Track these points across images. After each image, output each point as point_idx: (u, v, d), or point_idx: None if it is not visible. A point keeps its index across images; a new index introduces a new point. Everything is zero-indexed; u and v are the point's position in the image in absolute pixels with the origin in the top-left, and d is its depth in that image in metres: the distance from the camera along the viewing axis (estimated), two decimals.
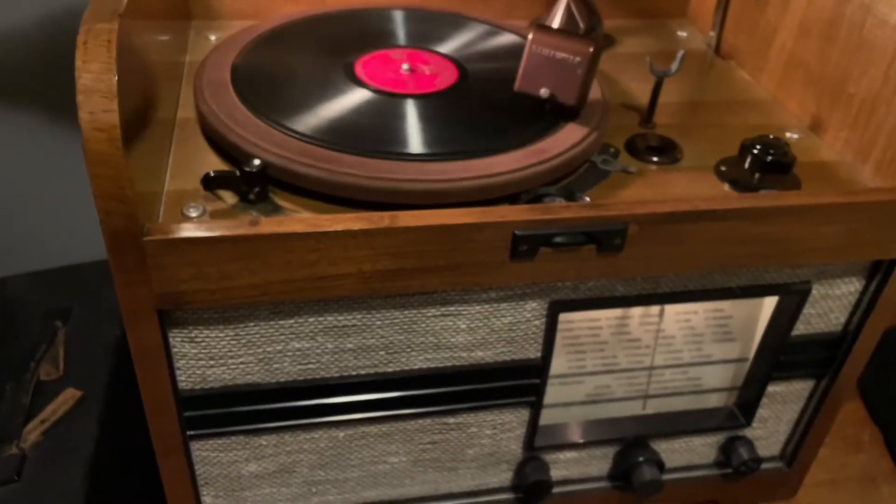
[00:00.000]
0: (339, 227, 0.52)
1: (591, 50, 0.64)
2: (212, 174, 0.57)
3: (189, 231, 0.51)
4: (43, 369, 0.84)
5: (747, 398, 0.75)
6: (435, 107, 0.67)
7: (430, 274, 0.56)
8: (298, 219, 0.53)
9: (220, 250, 0.52)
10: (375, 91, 0.68)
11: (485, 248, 0.55)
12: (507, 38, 0.79)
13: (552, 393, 0.72)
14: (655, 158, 0.68)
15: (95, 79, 0.46)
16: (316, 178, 0.58)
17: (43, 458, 0.76)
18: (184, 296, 0.53)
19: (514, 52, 0.75)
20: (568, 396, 0.73)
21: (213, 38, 0.83)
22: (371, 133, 0.62)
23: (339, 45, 0.75)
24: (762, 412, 0.76)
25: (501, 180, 0.59)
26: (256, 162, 0.57)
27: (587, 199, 0.60)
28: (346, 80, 0.69)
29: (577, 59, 0.64)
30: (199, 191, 0.58)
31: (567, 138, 0.64)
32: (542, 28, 0.66)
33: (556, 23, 0.85)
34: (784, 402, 0.76)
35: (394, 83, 0.69)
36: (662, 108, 0.75)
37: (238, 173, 0.57)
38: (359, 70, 0.70)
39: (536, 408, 0.68)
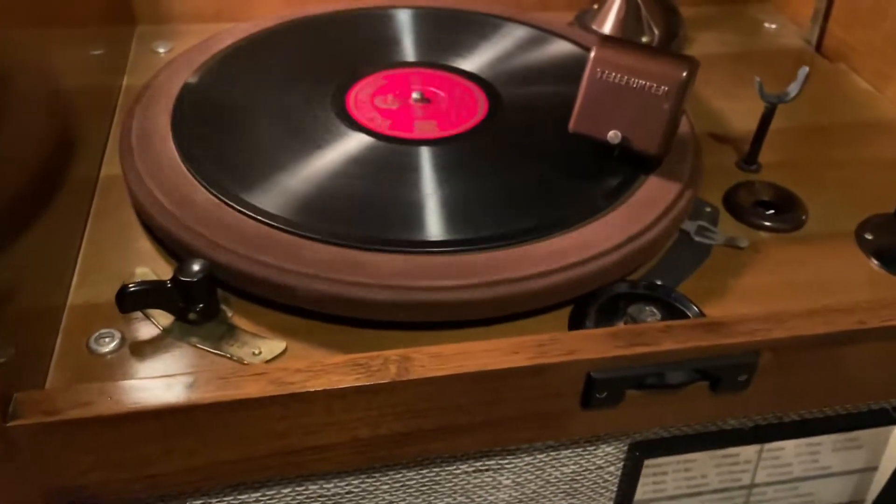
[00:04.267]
0: (318, 387, 0.34)
1: (684, 75, 0.44)
2: (130, 289, 0.38)
3: (80, 409, 0.32)
4: None
5: None
6: (457, 159, 0.47)
7: (459, 434, 0.37)
8: (253, 374, 0.34)
9: (132, 431, 0.33)
10: (374, 135, 0.48)
11: (543, 396, 0.37)
12: (555, 47, 0.59)
13: None
14: (770, 223, 0.48)
15: None
16: (286, 288, 0.39)
17: None
18: (85, 490, 0.35)
19: (567, 69, 0.55)
20: None
21: (162, 50, 0.63)
22: (367, 209, 0.43)
23: (326, 64, 0.55)
24: None
25: (560, 281, 0.40)
26: (196, 268, 0.38)
27: (695, 307, 0.41)
28: (334, 121, 0.49)
29: (664, 88, 0.44)
30: None
31: (650, 204, 0.44)
32: (610, 42, 0.46)
33: (611, 20, 0.65)
34: None
35: (400, 121, 0.49)
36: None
37: (169, 284, 0.38)
38: (352, 103, 0.51)
39: None
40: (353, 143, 0.48)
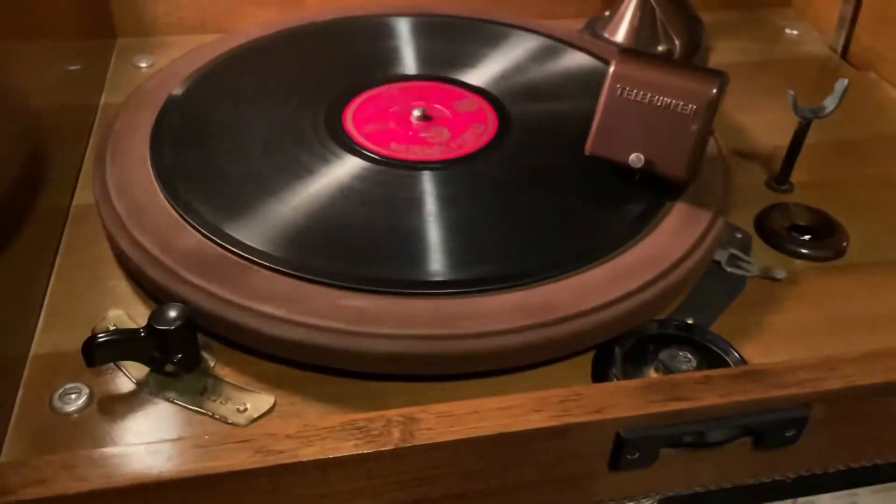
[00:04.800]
0: (311, 456, 0.29)
1: (713, 93, 0.40)
2: (98, 340, 0.34)
3: (37, 488, 0.28)
4: None
5: None
6: (463, 184, 0.43)
7: (471, 501, 0.33)
8: (237, 442, 0.30)
9: None
10: (371, 158, 0.44)
11: (567, 457, 0.32)
12: (569, 59, 0.54)
13: None
14: (808, 251, 0.44)
15: None
16: (277, 340, 0.35)
17: None
18: None
19: (582, 83, 0.51)
20: None
21: (143, 64, 0.59)
22: (367, 244, 0.39)
23: (320, 78, 0.51)
24: None
25: (581, 328, 0.36)
26: (172, 315, 0.34)
27: (735, 352, 0.37)
28: (329, 143, 0.45)
29: (691, 106, 0.40)
30: None
31: (678, 234, 0.40)
32: (630, 56, 0.42)
33: (624, 28, 0.61)
34: None
35: (399, 142, 0.45)
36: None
37: (143, 333, 0.34)
38: (349, 122, 0.46)
39: None
40: (348, 167, 0.43)
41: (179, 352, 0.34)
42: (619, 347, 0.36)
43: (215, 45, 0.54)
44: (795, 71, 0.62)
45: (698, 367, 0.35)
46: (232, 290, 0.35)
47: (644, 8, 0.60)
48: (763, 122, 0.55)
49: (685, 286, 0.39)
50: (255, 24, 0.58)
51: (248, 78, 0.51)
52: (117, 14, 0.61)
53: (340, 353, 0.34)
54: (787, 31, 0.68)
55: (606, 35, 0.62)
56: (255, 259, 0.37)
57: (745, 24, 0.69)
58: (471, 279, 0.36)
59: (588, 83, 0.48)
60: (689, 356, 0.35)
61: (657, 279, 0.37)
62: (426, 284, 0.36)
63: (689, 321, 0.39)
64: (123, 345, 0.34)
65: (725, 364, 0.36)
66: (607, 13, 0.64)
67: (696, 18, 0.52)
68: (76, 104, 0.52)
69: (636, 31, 0.61)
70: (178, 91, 0.48)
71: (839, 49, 0.64)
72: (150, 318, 0.34)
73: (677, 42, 0.50)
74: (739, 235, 0.45)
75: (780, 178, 0.49)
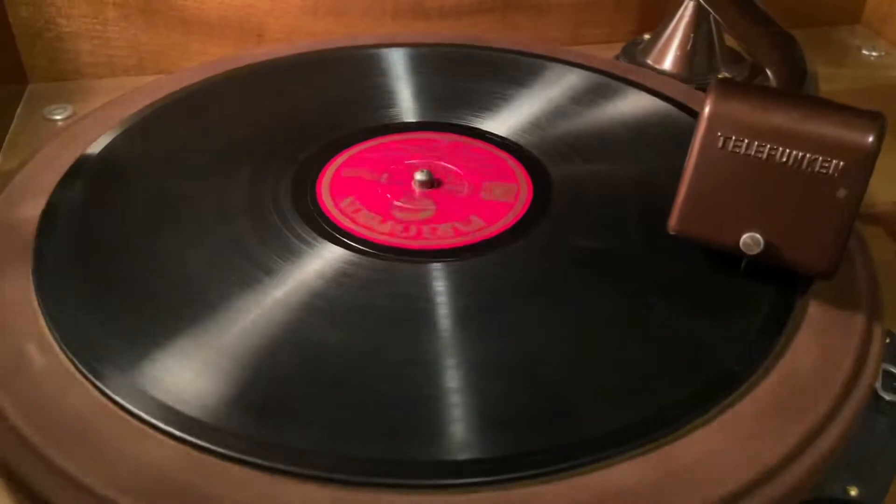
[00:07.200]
0: None
1: (870, 141, 0.27)
2: None
3: None
4: None
5: None
6: (488, 285, 0.29)
7: None
8: None
9: None
10: (356, 247, 0.30)
11: None
12: (628, 100, 0.40)
13: None
14: None
15: None
16: None
17: None
18: None
19: (649, 131, 0.38)
20: None
21: (59, 116, 0.46)
22: (356, 400, 0.25)
23: (287, 131, 0.38)
24: None
25: None
26: None
27: None
28: (297, 224, 0.31)
29: (837, 163, 0.27)
30: None
31: (824, 358, 0.27)
32: (733, 89, 0.29)
33: (672, 54, 0.48)
34: None
35: (397, 220, 0.32)
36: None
37: None
38: (325, 195, 0.33)
39: None
40: (324, 261, 0.30)
41: None
42: None
43: (147, 89, 0.41)
44: (887, 101, 0.50)
45: None
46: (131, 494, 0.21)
47: (698, 28, 0.48)
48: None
49: (842, 444, 0.26)
50: (205, 62, 0.45)
51: (189, 135, 0.38)
52: (27, 53, 0.48)
53: None
54: (865, 52, 0.55)
55: (650, 63, 0.49)
56: (187, 436, 0.23)
57: (810, 45, 0.56)
58: (507, 459, 0.22)
59: (658, 132, 0.35)
60: None
61: (814, 434, 0.24)
62: (467, 468, 0.22)
63: (853, 492, 0.26)
64: None
65: None
66: (647, 36, 0.51)
67: (786, 35, 0.40)
68: None
69: (689, 57, 0.48)
70: (84, 162, 0.35)
71: None
72: None
73: (770, 72, 0.37)
74: (888, 340, 0.31)
75: None
